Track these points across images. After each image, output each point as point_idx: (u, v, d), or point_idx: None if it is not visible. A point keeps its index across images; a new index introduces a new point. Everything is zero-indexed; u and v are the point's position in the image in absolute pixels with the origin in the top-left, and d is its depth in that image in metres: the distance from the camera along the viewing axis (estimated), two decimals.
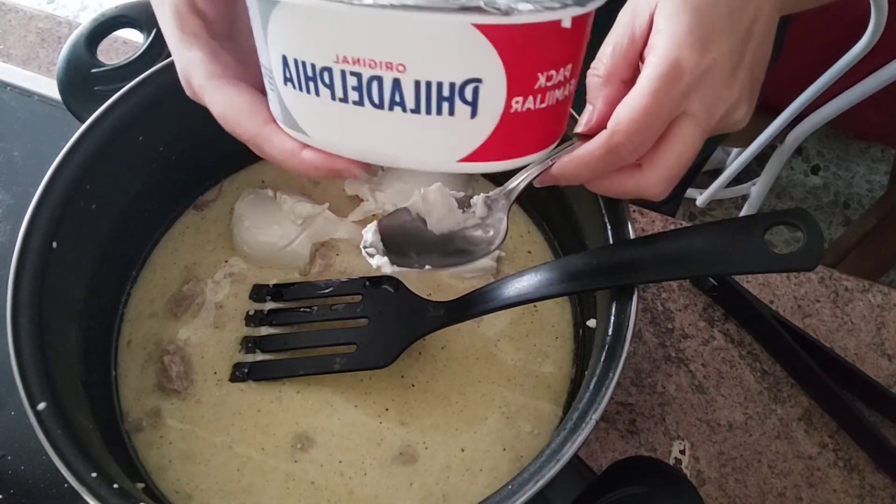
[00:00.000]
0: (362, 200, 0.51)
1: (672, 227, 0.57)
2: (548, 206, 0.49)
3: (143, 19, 0.47)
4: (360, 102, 0.28)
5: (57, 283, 0.40)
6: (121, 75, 0.44)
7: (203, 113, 0.48)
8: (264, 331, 0.47)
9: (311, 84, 0.29)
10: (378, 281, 0.46)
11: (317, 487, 0.43)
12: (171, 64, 0.43)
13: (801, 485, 0.48)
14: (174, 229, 0.51)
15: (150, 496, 0.41)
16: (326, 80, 0.28)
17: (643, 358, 0.52)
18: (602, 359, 0.36)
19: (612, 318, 0.37)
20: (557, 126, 0.31)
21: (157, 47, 0.46)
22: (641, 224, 0.57)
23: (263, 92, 0.33)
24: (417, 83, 0.27)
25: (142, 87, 0.43)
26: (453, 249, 0.36)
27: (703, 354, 0.52)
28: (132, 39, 0.64)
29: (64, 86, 0.45)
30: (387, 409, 0.45)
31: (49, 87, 0.64)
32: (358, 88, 0.28)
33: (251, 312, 0.48)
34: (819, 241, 0.34)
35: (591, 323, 0.45)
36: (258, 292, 0.49)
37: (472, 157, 0.29)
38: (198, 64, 0.33)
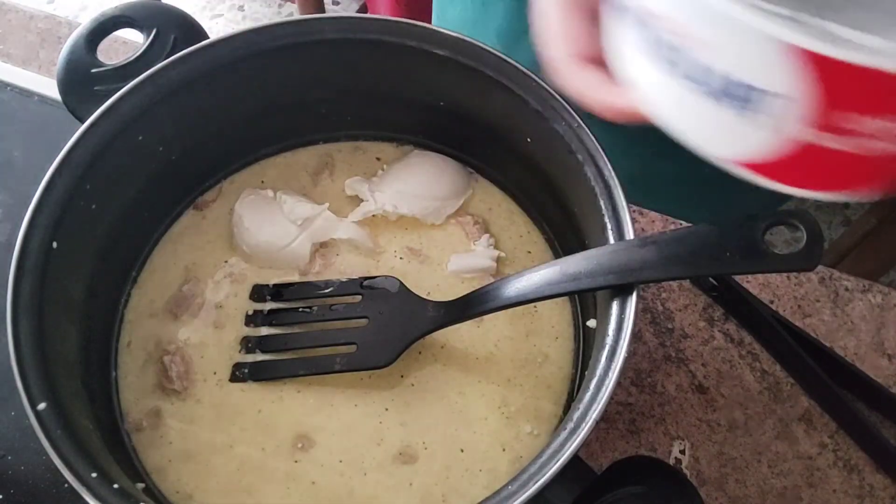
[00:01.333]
0: (362, 200, 0.51)
1: (672, 227, 0.57)
2: (548, 206, 0.49)
3: (143, 19, 0.47)
4: (673, 65, 0.27)
5: (57, 283, 0.40)
6: (121, 75, 0.44)
7: (203, 113, 0.48)
8: (264, 331, 0.47)
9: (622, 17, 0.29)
10: (378, 281, 0.46)
11: (317, 487, 0.43)
12: (171, 64, 0.44)
13: (801, 485, 0.48)
14: (174, 229, 0.51)
15: (150, 496, 0.41)
16: (642, 28, 0.28)
17: (643, 358, 0.52)
18: (602, 359, 0.36)
19: (612, 318, 0.37)
20: (868, 175, 0.28)
21: (157, 47, 0.46)
22: (641, 224, 0.57)
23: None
24: (726, 74, 0.26)
25: (142, 87, 0.43)
26: None
27: (703, 354, 0.52)
28: (132, 39, 0.64)
29: (64, 86, 0.45)
30: (387, 409, 0.45)
31: (49, 87, 0.64)
32: (668, 49, 0.27)
33: (251, 312, 0.48)
34: (819, 241, 0.34)
35: (591, 323, 0.45)
36: (258, 292, 0.49)
37: (756, 168, 0.28)
38: None
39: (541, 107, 0.43)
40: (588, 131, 0.41)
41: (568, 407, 0.45)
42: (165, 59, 0.44)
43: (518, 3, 0.60)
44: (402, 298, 0.46)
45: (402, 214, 0.50)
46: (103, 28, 0.47)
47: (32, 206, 0.39)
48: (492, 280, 0.47)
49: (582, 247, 0.44)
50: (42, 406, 0.35)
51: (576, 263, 0.38)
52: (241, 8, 1.86)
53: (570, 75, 0.32)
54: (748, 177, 0.29)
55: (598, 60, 0.32)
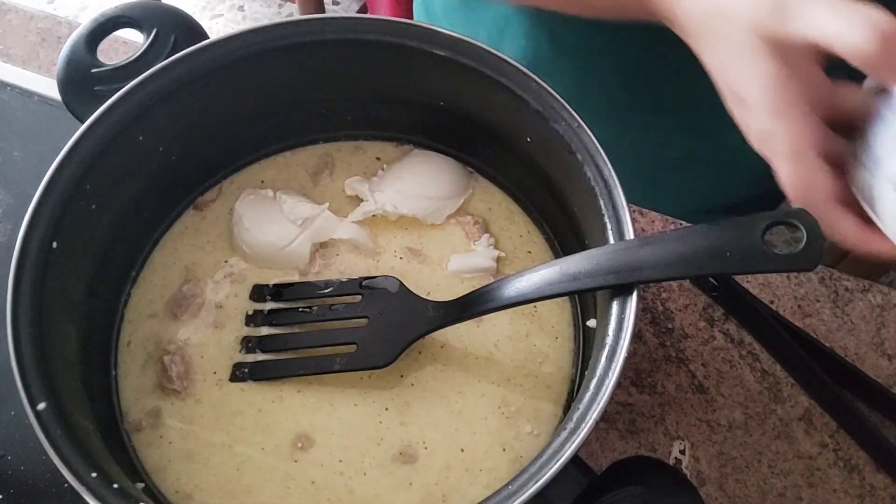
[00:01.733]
0: (362, 200, 0.51)
1: (672, 227, 0.57)
2: (548, 206, 0.49)
3: (143, 19, 0.47)
4: None
5: (57, 283, 0.40)
6: (121, 75, 0.44)
7: (203, 113, 0.48)
8: (264, 331, 0.47)
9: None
10: (377, 281, 0.46)
11: (317, 487, 0.43)
12: (171, 64, 0.44)
13: (801, 485, 0.48)
14: (174, 229, 0.51)
15: (150, 496, 0.41)
16: None
17: (643, 358, 0.52)
18: (602, 359, 0.36)
19: (612, 318, 0.37)
20: None
21: (157, 47, 0.46)
22: (641, 224, 0.57)
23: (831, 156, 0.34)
24: None
25: (142, 87, 0.43)
26: None
27: (703, 354, 0.52)
28: (132, 39, 0.64)
29: (64, 86, 0.45)
30: (387, 409, 0.45)
31: (49, 87, 0.64)
32: None
33: (251, 312, 0.48)
34: (819, 241, 0.34)
35: (591, 323, 0.45)
36: (258, 292, 0.49)
37: None
38: (784, 136, 0.35)
39: (541, 107, 0.43)
40: (588, 131, 0.41)
41: (568, 407, 0.45)
42: (165, 59, 0.44)
43: (542, 32, 0.60)
44: (402, 298, 0.46)
45: (402, 214, 0.50)
46: (103, 28, 0.47)
47: (32, 206, 0.39)
48: (492, 280, 0.47)
49: (582, 247, 0.44)
50: (42, 406, 0.35)
51: (576, 263, 0.38)
52: (241, 8, 1.86)
53: (829, 220, 0.35)
54: None
55: (844, 201, 0.35)
